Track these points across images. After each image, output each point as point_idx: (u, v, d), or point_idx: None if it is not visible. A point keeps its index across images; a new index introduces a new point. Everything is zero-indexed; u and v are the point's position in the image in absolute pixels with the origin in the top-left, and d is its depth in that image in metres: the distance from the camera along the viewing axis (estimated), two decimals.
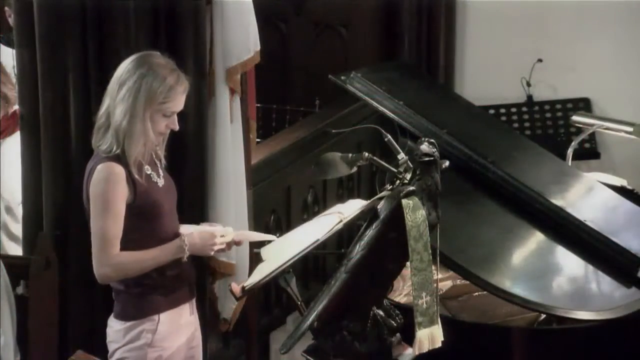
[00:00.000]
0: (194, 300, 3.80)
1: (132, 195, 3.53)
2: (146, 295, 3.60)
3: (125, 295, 3.63)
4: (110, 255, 3.50)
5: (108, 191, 3.49)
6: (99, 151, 3.56)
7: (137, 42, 4.19)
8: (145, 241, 3.57)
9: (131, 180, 3.52)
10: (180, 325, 3.69)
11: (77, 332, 4.27)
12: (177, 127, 3.61)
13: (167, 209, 3.65)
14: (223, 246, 3.66)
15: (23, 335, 4.03)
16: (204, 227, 3.73)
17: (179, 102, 3.56)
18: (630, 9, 6.23)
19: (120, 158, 3.51)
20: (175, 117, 3.58)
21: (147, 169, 3.60)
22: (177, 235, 3.65)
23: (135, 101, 3.48)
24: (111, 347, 3.68)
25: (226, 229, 3.69)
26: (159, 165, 3.68)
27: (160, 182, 3.64)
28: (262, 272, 3.50)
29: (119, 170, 3.50)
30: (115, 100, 3.51)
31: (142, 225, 3.57)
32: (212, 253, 3.65)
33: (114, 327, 3.66)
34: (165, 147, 3.72)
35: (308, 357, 3.50)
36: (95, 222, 3.52)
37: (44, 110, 4.20)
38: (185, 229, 3.75)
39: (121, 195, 3.51)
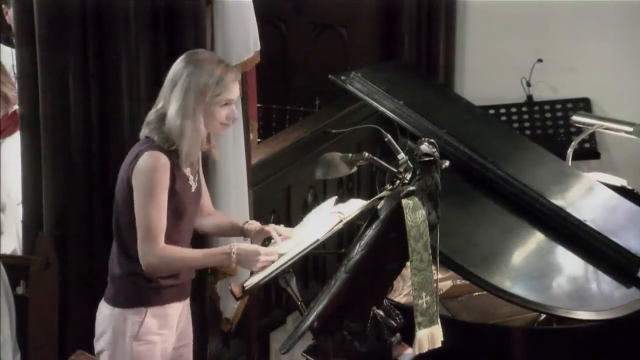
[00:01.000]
0: (187, 300, 3.77)
1: (169, 189, 3.53)
2: (139, 285, 3.58)
3: (119, 281, 3.61)
4: (156, 246, 3.49)
5: (153, 181, 3.48)
6: (148, 140, 3.55)
7: (137, 42, 4.19)
8: None
9: (172, 175, 3.53)
10: (169, 322, 3.66)
11: (77, 332, 4.27)
12: (237, 117, 3.63)
13: (189, 213, 3.64)
14: (266, 264, 3.62)
15: (23, 335, 4.04)
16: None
17: (232, 91, 3.56)
18: (630, 9, 6.23)
19: (170, 153, 3.52)
20: (234, 107, 3.59)
21: (188, 172, 3.61)
22: (188, 239, 3.66)
23: (186, 99, 3.49)
24: (97, 331, 3.66)
25: (271, 248, 3.63)
26: (196, 169, 3.68)
27: (194, 186, 3.64)
28: (262, 272, 3.50)
29: (165, 160, 3.49)
30: (170, 101, 3.52)
31: None
32: (254, 269, 3.63)
33: (103, 311, 3.65)
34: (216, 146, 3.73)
35: (308, 357, 3.50)
36: (140, 213, 3.51)
37: (44, 110, 4.20)
38: (219, 218, 3.80)
39: (165, 185, 3.50)
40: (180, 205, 3.57)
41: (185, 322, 3.77)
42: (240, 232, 3.76)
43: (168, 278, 3.61)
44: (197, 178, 3.67)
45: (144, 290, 3.59)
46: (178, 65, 3.56)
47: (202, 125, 3.52)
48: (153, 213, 3.49)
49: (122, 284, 3.61)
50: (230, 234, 3.82)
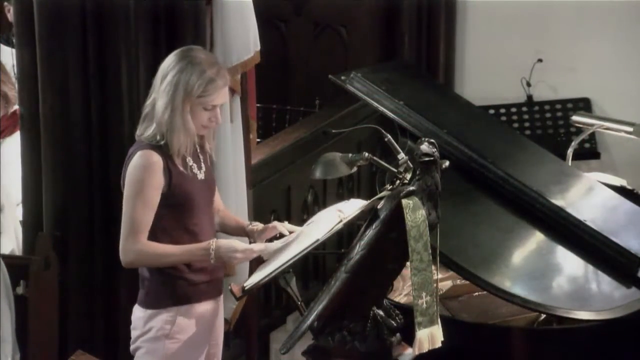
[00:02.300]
0: (220, 298, 3.77)
1: (166, 185, 3.54)
2: (168, 284, 3.59)
3: (149, 282, 3.62)
4: (136, 241, 3.51)
5: (142, 179, 3.51)
6: (141, 138, 3.57)
7: (137, 42, 4.19)
8: (175, 232, 3.58)
9: (167, 170, 3.54)
10: (202, 320, 3.66)
11: (77, 332, 4.27)
12: (219, 122, 3.63)
13: (201, 203, 3.64)
14: (244, 260, 3.64)
15: (23, 335, 4.04)
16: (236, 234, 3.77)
17: (219, 96, 3.56)
18: (630, 9, 6.23)
19: (162, 148, 3.53)
20: (218, 111, 3.58)
21: (189, 161, 3.61)
22: (209, 231, 3.66)
23: (174, 95, 3.50)
24: (133, 334, 3.68)
25: (257, 245, 3.64)
26: (202, 159, 3.68)
27: (200, 175, 3.65)
28: (262, 272, 3.50)
29: (157, 159, 3.51)
30: (158, 93, 3.54)
31: (173, 216, 3.57)
32: (235, 263, 3.63)
33: (136, 313, 3.67)
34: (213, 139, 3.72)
35: (308, 357, 3.50)
36: (126, 207, 3.54)
37: (44, 110, 4.20)
38: (226, 216, 3.79)
39: (155, 184, 3.52)
40: (186, 195, 3.58)
41: (218, 322, 3.77)
42: (244, 232, 3.76)
43: (197, 274, 3.61)
44: (204, 168, 3.67)
45: (173, 289, 3.60)
46: (171, 59, 3.57)
47: (190, 124, 3.53)
48: (138, 208, 3.51)
49: (151, 285, 3.62)
50: (233, 233, 3.82)
